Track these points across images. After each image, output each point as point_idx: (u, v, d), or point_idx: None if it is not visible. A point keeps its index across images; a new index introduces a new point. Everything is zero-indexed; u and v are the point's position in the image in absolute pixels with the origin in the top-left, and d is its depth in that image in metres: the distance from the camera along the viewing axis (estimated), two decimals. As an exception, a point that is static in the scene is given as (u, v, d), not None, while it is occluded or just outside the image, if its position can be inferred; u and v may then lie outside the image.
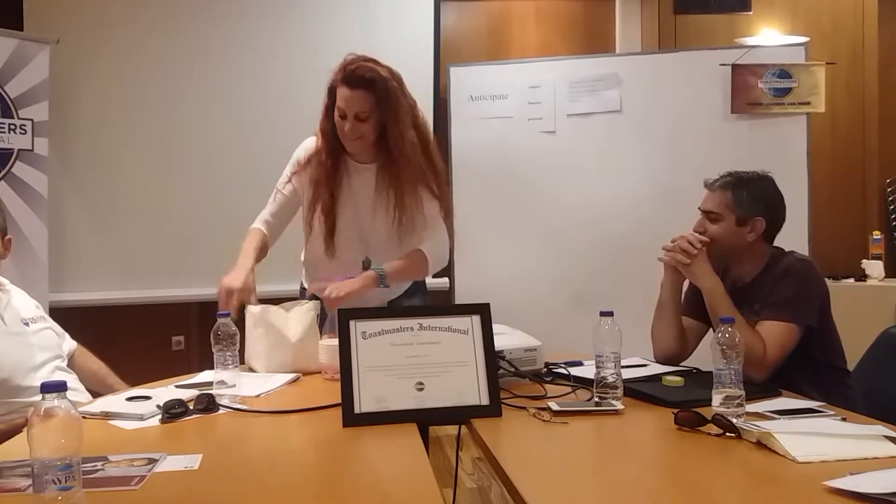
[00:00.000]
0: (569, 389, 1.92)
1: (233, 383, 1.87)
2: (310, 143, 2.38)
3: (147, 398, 1.86)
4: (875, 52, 4.57)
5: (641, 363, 2.16)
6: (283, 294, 3.10)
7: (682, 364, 2.18)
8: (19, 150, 3.41)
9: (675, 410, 1.62)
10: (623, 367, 1.82)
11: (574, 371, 2.04)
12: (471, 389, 1.71)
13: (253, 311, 2.07)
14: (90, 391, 2.25)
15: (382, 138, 2.25)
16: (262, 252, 2.31)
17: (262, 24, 3.88)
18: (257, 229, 2.36)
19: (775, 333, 1.99)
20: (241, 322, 2.06)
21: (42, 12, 3.66)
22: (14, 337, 2.15)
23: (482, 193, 3.76)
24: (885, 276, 4.27)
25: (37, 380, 2.00)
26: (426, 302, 2.57)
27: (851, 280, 4.21)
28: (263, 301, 2.16)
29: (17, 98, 3.40)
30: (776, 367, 1.98)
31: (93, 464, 1.36)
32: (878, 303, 3.97)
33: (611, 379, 1.76)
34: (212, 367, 1.92)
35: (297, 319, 2.14)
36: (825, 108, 3.78)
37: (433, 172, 2.33)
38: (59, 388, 1.12)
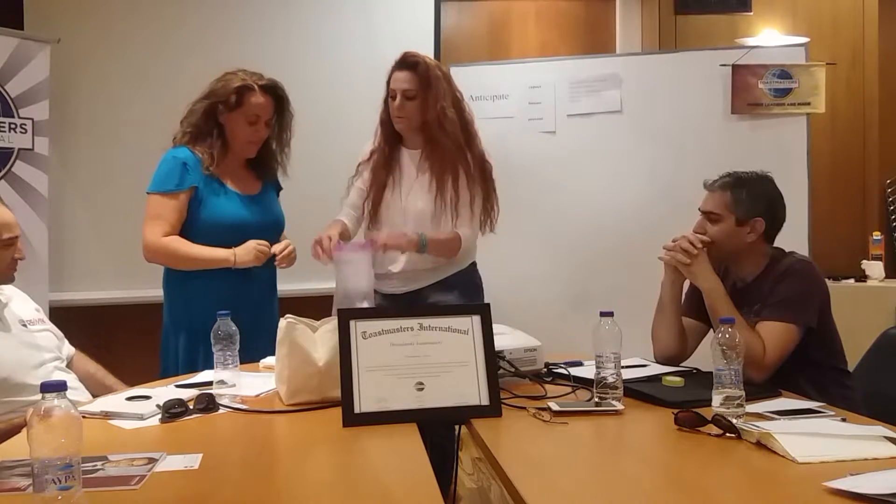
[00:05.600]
0: (569, 389, 1.92)
1: (233, 383, 1.87)
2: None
3: (147, 398, 1.86)
4: (875, 52, 4.57)
5: (641, 363, 2.16)
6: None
7: (682, 364, 2.18)
8: (20, 149, 3.41)
9: (675, 411, 1.62)
10: (623, 367, 1.82)
11: (574, 371, 2.04)
12: (471, 389, 1.71)
13: (280, 325, 1.89)
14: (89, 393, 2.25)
15: (427, 125, 2.49)
16: (344, 234, 2.50)
17: (263, 24, 3.87)
18: (338, 220, 2.56)
19: (775, 334, 1.99)
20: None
21: (43, 12, 3.65)
22: (13, 337, 2.15)
23: (482, 193, 3.76)
24: (886, 277, 4.27)
25: (37, 379, 2.00)
26: (463, 299, 2.53)
27: (851, 281, 4.21)
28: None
29: (17, 97, 3.39)
30: (776, 367, 1.98)
31: (93, 463, 1.36)
32: (878, 303, 3.96)
33: (611, 379, 1.77)
34: (212, 367, 1.92)
35: (324, 340, 1.86)
36: (825, 109, 3.77)
37: (472, 158, 2.51)
38: (59, 387, 1.12)
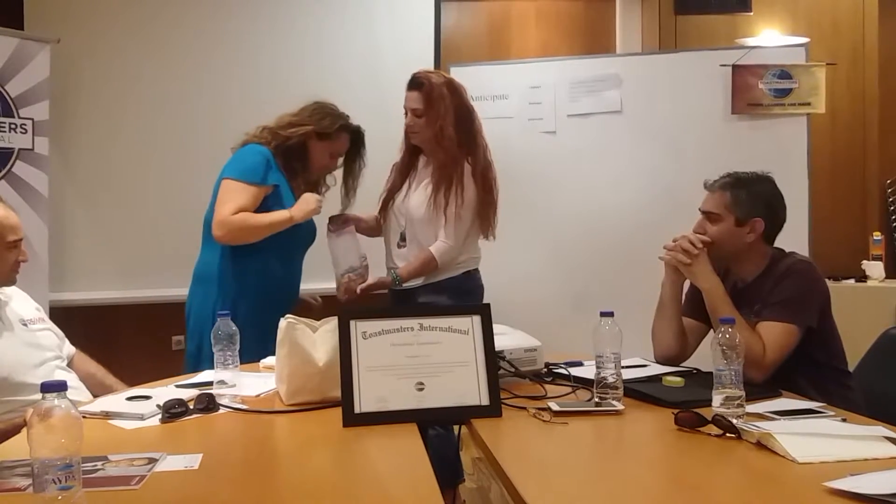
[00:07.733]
0: (569, 389, 1.92)
1: (233, 383, 1.87)
2: None
3: (147, 398, 1.86)
4: (875, 52, 4.57)
5: (641, 363, 2.16)
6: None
7: (682, 364, 2.18)
8: (20, 149, 3.41)
9: (675, 411, 1.62)
10: (623, 367, 1.82)
11: (574, 371, 2.04)
12: (471, 389, 1.71)
13: (280, 325, 1.89)
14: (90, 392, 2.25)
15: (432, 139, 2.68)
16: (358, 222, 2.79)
17: (264, 24, 3.87)
18: (371, 214, 2.85)
19: (775, 334, 1.99)
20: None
21: (43, 12, 3.65)
22: (14, 336, 2.15)
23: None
24: (886, 277, 4.27)
25: (37, 378, 2.00)
26: (452, 303, 2.64)
27: (852, 281, 4.21)
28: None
29: (17, 97, 3.39)
30: (775, 367, 1.98)
31: (93, 463, 1.36)
32: (878, 304, 3.97)
33: (611, 379, 1.77)
34: (212, 367, 1.92)
35: (324, 340, 1.86)
36: (825, 109, 3.77)
37: (474, 168, 2.66)
38: (59, 387, 1.12)
